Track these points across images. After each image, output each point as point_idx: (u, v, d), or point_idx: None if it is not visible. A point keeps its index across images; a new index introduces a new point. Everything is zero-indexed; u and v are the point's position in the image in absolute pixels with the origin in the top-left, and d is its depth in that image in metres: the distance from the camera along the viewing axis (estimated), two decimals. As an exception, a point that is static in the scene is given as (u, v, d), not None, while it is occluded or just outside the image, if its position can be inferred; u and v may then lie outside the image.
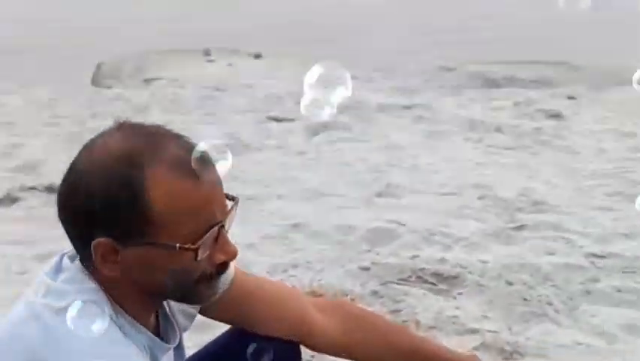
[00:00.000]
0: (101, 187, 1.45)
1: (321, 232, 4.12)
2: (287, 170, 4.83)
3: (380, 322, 2.31)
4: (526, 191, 4.70)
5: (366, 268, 3.72)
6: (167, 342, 1.65)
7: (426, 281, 3.65)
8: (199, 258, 1.48)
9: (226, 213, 1.53)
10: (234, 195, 1.56)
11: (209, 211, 1.49)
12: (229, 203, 1.55)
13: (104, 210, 1.45)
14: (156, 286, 1.54)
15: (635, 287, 3.63)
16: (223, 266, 1.55)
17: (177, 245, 1.46)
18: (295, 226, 4.01)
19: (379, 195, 4.65)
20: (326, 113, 1.53)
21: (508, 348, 3.16)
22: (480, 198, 4.62)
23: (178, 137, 1.53)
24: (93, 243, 1.47)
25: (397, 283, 3.61)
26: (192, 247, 1.47)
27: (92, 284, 1.52)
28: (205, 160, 1.49)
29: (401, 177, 4.88)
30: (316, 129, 5.70)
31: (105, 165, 1.47)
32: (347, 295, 3.51)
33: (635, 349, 3.19)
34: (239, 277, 1.78)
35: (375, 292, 3.53)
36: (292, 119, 5.95)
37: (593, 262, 3.85)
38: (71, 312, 1.45)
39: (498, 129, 5.99)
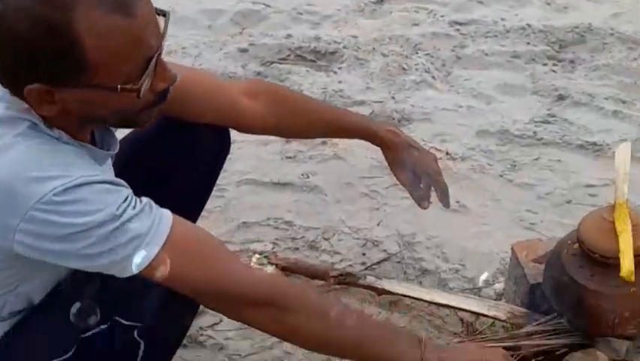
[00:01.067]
0: (27, 35, 1.32)
1: (187, 18, 4.02)
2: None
3: (303, 98, 2.40)
4: (380, -34, 4.71)
5: (245, 50, 3.70)
6: (107, 150, 1.62)
7: (305, 59, 3.68)
8: (141, 95, 1.42)
9: (160, 37, 1.43)
10: (164, 9, 1.46)
11: (145, 44, 1.39)
12: (160, 21, 1.45)
13: (34, 58, 1.34)
14: (97, 119, 1.50)
15: (500, 50, 3.80)
16: (164, 92, 1.50)
17: (119, 87, 1.39)
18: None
19: (235, -23, 4.54)
20: None
21: (396, 115, 3.29)
22: (337, -26, 4.60)
23: None
24: (25, 90, 1.38)
25: (279, 63, 3.63)
26: (135, 87, 1.40)
27: (23, 105, 1.43)
28: None
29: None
30: None
31: (27, 11, 1.32)
32: (231, 77, 3.50)
33: (509, 107, 3.40)
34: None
35: (258, 73, 3.54)
36: None
37: (457, 30, 3.99)
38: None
39: None
